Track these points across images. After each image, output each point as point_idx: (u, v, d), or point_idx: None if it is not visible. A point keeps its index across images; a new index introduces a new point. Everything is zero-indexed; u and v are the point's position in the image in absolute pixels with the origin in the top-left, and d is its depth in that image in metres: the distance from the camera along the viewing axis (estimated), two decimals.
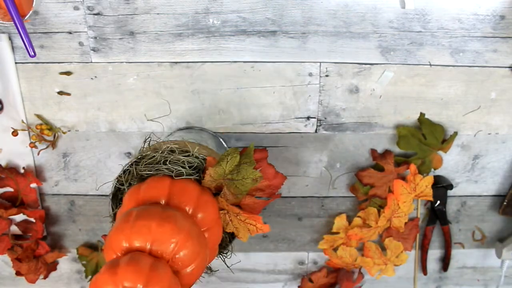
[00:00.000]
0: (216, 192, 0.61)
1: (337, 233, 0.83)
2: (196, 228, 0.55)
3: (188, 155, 0.61)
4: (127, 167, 0.61)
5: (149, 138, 0.66)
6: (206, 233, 0.57)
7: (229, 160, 0.60)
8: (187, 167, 0.60)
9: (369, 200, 0.81)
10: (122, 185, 0.62)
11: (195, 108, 0.77)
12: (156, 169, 0.60)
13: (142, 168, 0.60)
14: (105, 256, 0.54)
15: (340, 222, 0.83)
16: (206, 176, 0.60)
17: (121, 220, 0.54)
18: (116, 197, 0.64)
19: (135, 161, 0.61)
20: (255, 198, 0.63)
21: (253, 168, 0.61)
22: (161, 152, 0.60)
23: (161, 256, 0.51)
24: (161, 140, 0.66)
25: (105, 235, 0.83)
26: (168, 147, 0.61)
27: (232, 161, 0.60)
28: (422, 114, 0.77)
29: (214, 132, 0.78)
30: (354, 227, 0.82)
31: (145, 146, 0.65)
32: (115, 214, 0.64)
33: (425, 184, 0.78)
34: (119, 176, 0.62)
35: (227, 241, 0.66)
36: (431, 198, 0.79)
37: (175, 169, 0.59)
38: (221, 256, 0.67)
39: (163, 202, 0.56)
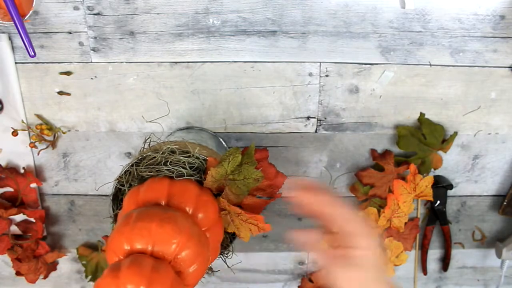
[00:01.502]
0: (217, 193, 0.61)
1: (337, 232, 0.83)
2: (197, 228, 0.55)
3: (189, 156, 0.61)
4: (128, 168, 0.61)
5: (149, 139, 0.66)
6: (207, 233, 0.57)
7: (230, 160, 0.60)
8: (187, 167, 0.60)
9: (369, 200, 0.81)
10: (123, 185, 0.62)
11: (195, 108, 0.77)
12: (157, 170, 0.60)
13: (143, 169, 0.61)
14: (108, 259, 0.55)
15: None
16: (208, 177, 0.60)
17: (121, 222, 0.54)
18: (117, 198, 0.64)
19: (135, 162, 0.61)
20: (256, 198, 0.63)
21: (255, 168, 0.61)
22: (162, 153, 0.60)
23: (163, 257, 0.51)
24: (161, 141, 0.66)
25: (106, 236, 0.83)
26: (169, 148, 0.61)
27: (233, 161, 0.60)
28: (422, 114, 0.77)
29: (214, 132, 0.78)
30: None
31: (145, 147, 0.65)
32: (116, 215, 0.64)
33: (425, 184, 0.78)
34: (119, 177, 0.62)
35: (228, 241, 0.66)
36: (431, 198, 0.79)
37: (176, 170, 0.59)
38: (222, 256, 0.67)
39: (163, 203, 0.56)
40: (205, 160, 0.61)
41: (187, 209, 0.56)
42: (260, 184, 0.62)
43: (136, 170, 0.61)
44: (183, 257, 0.52)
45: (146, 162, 0.61)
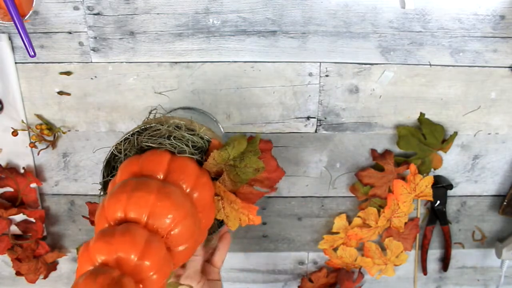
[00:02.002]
0: (215, 177, 0.61)
1: (337, 233, 0.83)
2: (193, 208, 0.54)
3: (193, 134, 0.59)
4: (129, 135, 0.59)
5: (155, 110, 0.65)
6: (200, 215, 0.56)
7: (235, 146, 0.58)
8: (190, 146, 0.58)
9: (369, 200, 0.81)
10: (120, 153, 0.60)
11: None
12: (159, 143, 0.58)
13: (145, 139, 0.59)
14: (96, 223, 0.53)
15: (340, 222, 0.83)
16: (209, 159, 0.58)
17: (117, 189, 0.52)
18: (109, 164, 0.62)
19: (137, 131, 0.60)
20: (253, 188, 0.61)
21: (257, 158, 0.60)
22: (167, 126, 0.59)
23: (156, 231, 0.50)
24: (167, 114, 0.63)
25: (90, 203, 0.80)
26: (175, 122, 0.59)
27: (238, 147, 0.58)
28: (422, 114, 0.77)
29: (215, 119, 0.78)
30: (354, 227, 0.82)
31: (150, 117, 0.63)
32: (105, 182, 0.63)
33: (425, 184, 0.78)
34: (118, 143, 0.60)
35: (214, 228, 0.65)
36: (431, 198, 0.79)
37: (178, 145, 0.58)
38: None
39: (161, 176, 0.55)
40: (208, 141, 0.60)
41: (184, 186, 0.55)
42: (259, 175, 0.61)
43: (137, 139, 0.59)
44: (176, 234, 0.51)
45: (149, 133, 0.59)
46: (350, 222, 0.83)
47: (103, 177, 0.62)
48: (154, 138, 0.59)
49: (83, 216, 0.82)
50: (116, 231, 0.48)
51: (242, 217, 0.61)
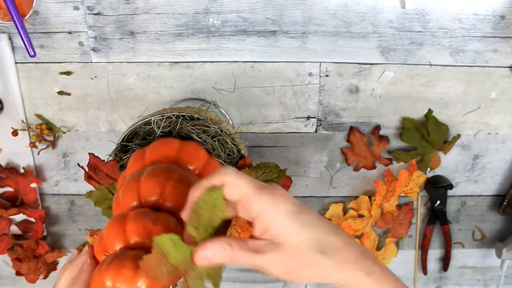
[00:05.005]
0: None
1: (329, 220, 0.83)
2: None
3: (235, 144, 0.61)
4: (174, 117, 0.60)
5: (209, 105, 0.66)
6: None
7: (265, 172, 0.61)
8: (226, 153, 0.61)
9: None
10: (158, 128, 0.60)
11: None
12: (203, 140, 0.60)
13: (190, 128, 0.60)
14: (114, 211, 0.55)
15: (335, 209, 0.83)
16: None
17: (135, 175, 0.53)
18: (138, 135, 0.63)
19: (183, 115, 0.60)
20: None
21: None
22: (218, 127, 0.60)
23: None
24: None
25: (93, 155, 0.77)
26: (225, 127, 0.60)
27: (268, 174, 0.61)
28: (430, 111, 0.77)
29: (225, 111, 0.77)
30: (347, 218, 0.82)
31: (203, 110, 0.63)
32: (122, 146, 0.63)
33: (416, 182, 0.80)
34: (159, 118, 0.60)
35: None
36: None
37: (218, 149, 0.60)
38: None
39: (196, 172, 0.56)
40: (242, 156, 0.62)
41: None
42: None
43: (181, 123, 0.59)
44: None
45: (196, 124, 0.60)
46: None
47: (122, 140, 0.62)
48: (200, 131, 0.60)
49: (78, 165, 0.74)
50: (128, 216, 0.49)
51: (233, 233, 0.63)
